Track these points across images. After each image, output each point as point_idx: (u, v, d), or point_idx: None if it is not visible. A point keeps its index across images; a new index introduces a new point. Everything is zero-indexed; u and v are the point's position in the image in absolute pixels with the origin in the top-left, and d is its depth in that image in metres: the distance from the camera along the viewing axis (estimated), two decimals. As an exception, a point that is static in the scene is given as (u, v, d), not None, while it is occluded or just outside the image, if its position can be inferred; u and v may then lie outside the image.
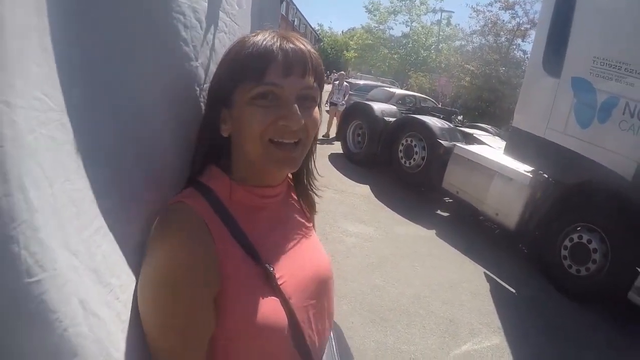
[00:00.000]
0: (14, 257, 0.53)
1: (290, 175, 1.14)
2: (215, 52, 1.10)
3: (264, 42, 0.89)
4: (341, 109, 11.95)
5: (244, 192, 0.96)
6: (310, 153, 1.08)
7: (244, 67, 0.89)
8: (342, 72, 14.75)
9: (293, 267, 0.99)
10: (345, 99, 12.64)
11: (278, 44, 0.89)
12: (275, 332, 0.90)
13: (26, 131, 0.56)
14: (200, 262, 0.84)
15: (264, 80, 0.87)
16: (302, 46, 0.92)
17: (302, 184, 1.14)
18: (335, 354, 1.18)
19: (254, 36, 0.92)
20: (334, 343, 1.17)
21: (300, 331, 0.95)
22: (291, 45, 0.90)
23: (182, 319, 0.83)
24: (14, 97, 0.54)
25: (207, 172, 0.98)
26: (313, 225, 1.21)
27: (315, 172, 1.15)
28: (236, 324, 0.87)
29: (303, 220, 1.14)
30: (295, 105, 0.88)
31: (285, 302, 0.92)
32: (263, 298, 0.89)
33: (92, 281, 0.70)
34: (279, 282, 0.92)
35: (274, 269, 0.92)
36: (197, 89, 1.04)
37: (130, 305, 0.82)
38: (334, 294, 1.14)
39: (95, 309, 0.68)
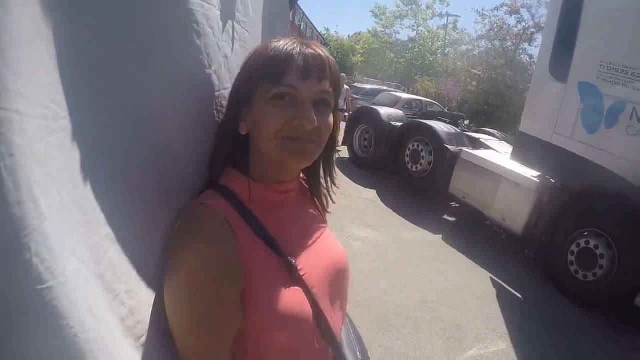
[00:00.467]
0: (26, 264, 0.54)
1: (302, 175, 1.18)
2: (227, 59, 1.11)
3: (285, 47, 0.93)
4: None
5: (261, 190, 1.00)
6: (331, 156, 1.13)
7: (265, 68, 0.93)
8: (343, 74, 11.64)
9: (312, 258, 1.03)
10: (344, 102, 11.25)
11: (298, 49, 0.93)
12: (301, 320, 0.94)
13: (36, 139, 0.57)
14: (225, 259, 0.87)
15: (283, 82, 0.91)
16: (321, 52, 0.96)
17: (317, 180, 1.18)
18: (352, 336, 1.24)
19: (277, 42, 0.96)
20: (350, 327, 1.25)
21: (324, 318, 0.99)
22: (311, 51, 0.94)
23: (210, 317, 0.86)
24: (25, 105, 0.55)
25: (225, 174, 1.01)
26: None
27: (334, 176, 1.19)
28: (263, 316, 0.91)
29: (317, 215, 1.19)
30: (311, 107, 0.91)
31: (308, 292, 0.96)
32: (287, 289, 0.94)
33: (98, 287, 0.71)
34: (301, 273, 0.97)
35: (295, 260, 0.97)
36: (211, 95, 1.06)
37: (137, 310, 0.82)
38: (349, 284, 1.19)
39: (102, 315, 0.69)
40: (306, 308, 0.95)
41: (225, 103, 1.08)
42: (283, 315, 0.91)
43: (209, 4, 1.00)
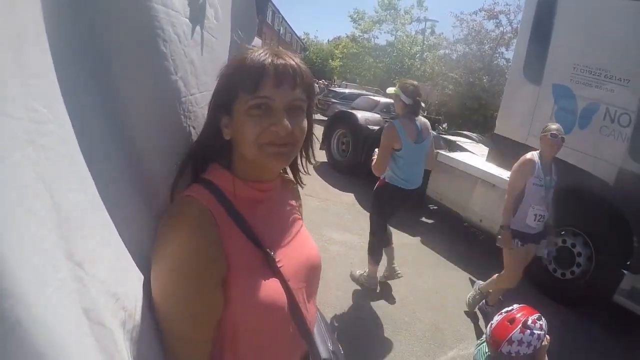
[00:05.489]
0: (32, 268, 0.54)
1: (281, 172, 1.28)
2: (194, 65, 1.13)
3: (258, 59, 1.01)
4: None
5: (244, 186, 1.09)
6: (307, 149, 1.22)
7: (242, 81, 1.01)
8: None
9: (289, 253, 1.13)
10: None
11: (270, 60, 1.01)
12: (277, 310, 1.03)
13: (25, 142, 0.57)
14: (208, 247, 0.95)
15: (258, 93, 0.99)
16: (292, 62, 1.04)
17: (295, 168, 1.29)
18: (324, 329, 1.31)
19: (251, 53, 1.03)
20: (321, 321, 1.32)
21: (299, 310, 1.08)
22: (282, 61, 1.02)
23: (193, 302, 0.93)
24: (13, 108, 0.55)
25: (210, 170, 1.10)
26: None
27: (311, 157, 1.27)
28: (242, 304, 0.99)
29: (296, 214, 1.29)
30: (284, 114, 1.00)
31: (284, 283, 1.05)
32: (265, 279, 1.02)
33: (98, 291, 0.71)
34: (279, 265, 1.06)
35: (273, 253, 1.06)
36: (177, 102, 1.07)
37: (137, 313, 0.84)
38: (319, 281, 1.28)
39: (101, 319, 0.70)
40: (282, 298, 1.04)
41: (192, 108, 1.13)
42: (260, 303, 0.99)
43: (174, 10, 1.01)
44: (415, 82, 4.27)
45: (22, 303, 0.51)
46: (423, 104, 4.41)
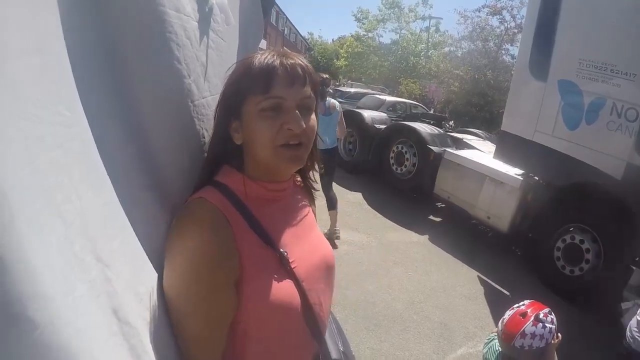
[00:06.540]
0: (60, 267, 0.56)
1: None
2: (204, 68, 1.14)
3: (267, 60, 1.01)
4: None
5: (256, 187, 1.08)
6: (314, 150, 1.17)
7: (251, 83, 1.01)
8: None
9: (303, 254, 1.12)
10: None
11: (279, 60, 1.01)
12: (290, 311, 1.03)
13: (54, 146, 0.59)
14: (221, 249, 0.95)
15: (270, 93, 0.99)
16: (299, 61, 1.05)
17: (304, 171, 1.27)
18: (335, 330, 1.32)
19: (258, 56, 1.03)
20: (332, 321, 1.32)
21: (312, 310, 1.08)
22: (291, 61, 1.02)
23: (206, 303, 0.93)
24: (40, 112, 0.57)
25: (222, 171, 1.09)
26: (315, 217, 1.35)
27: (315, 166, 1.27)
28: (255, 305, 0.99)
29: (309, 214, 1.27)
30: (297, 112, 1.00)
31: (298, 284, 1.05)
32: (279, 280, 1.02)
33: (124, 290, 0.73)
34: (292, 266, 1.05)
35: (287, 254, 1.05)
36: (191, 104, 1.08)
37: (156, 312, 0.86)
38: (334, 280, 1.26)
39: (128, 318, 0.72)
40: (296, 299, 1.03)
41: (204, 111, 1.13)
42: (273, 305, 0.99)
43: (186, 15, 1.02)
44: (325, 75, 5.83)
45: (52, 305, 0.53)
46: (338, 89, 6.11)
